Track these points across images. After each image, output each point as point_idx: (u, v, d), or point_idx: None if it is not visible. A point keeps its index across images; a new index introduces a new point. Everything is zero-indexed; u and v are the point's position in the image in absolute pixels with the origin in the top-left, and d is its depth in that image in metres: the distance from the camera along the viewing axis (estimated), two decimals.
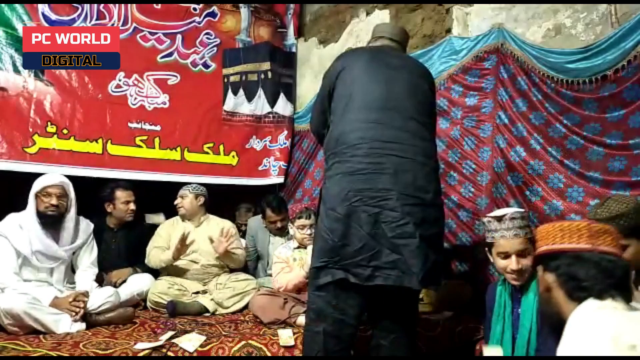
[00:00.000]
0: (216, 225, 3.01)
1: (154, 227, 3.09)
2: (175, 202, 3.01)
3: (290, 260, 2.56)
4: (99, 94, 3.24)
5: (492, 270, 2.40)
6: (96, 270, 2.62)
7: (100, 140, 3.20)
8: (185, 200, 2.98)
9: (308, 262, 2.38)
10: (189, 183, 3.12)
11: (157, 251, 2.86)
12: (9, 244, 2.31)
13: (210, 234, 2.92)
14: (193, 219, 3.00)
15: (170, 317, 2.46)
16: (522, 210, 1.81)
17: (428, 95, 1.86)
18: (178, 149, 3.51)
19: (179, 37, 3.59)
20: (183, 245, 2.74)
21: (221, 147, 3.72)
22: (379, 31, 2.06)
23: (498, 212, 1.74)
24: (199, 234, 2.93)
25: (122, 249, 2.96)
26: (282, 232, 3.18)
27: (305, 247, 2.51)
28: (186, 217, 3.00)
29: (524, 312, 1.69)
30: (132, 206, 2.94)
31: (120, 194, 2.92)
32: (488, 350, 1.71)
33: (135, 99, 3.39)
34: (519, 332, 1.69)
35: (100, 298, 2.32)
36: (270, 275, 3.09)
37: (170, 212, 3.14)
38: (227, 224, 3.06)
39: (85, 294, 2.28)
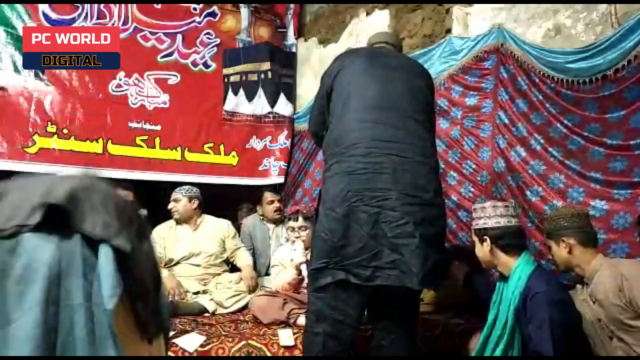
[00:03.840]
0: (213, 225, 3.02)
1: (153, 227, 3.08)
2: (169, 207, 2.97)
3: (287, 261, 2.58)
4: (99, 94, 3.24)
5: (492, 271, 2.40)
6: None
7: (100, 140, 3.20)
8: (179, 204, 2.95)
9: (296, 259, 2.43)
10: (182, 185, 3.08)
11: None
12: None
13: (208, 234, 2.93)
14: (189, 222, 2.99)
15: (170, 317, 2.46)
16: (481, 204, 1.91)
17: (426, 94, 1.86)
18: (178, 148, 3.51)
19: (179, 37, 3.59)
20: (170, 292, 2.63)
21: (221, 147, 3.72)
22: (374, 38, 2.08)
23: None
24: (197, 237, 2.93)
25: None
26: (280, 217, 3.26)
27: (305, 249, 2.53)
28: (181, 221, 2.98)
29: (502, 306, 1.73)
30: None
31: None
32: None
33: (136, 98, 3.38)
34: (496, 322, 1.74)
35: None
36: (270, 274, 3.12)
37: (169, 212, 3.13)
38: (223, 223, 3.06)
39: None
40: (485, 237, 1.79)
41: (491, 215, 1.79)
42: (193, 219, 3.00)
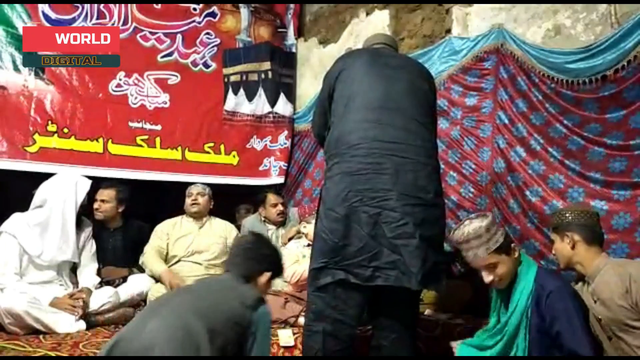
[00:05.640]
0: (217, 225, 3.03)
1: (153, 227, 3.07)
2: (193, 199, 2.98)
3: (300, 256, 2.60)
4: (99, 93, 3.24)
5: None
6: (96, 265, 2.63)
7: (100, 140, 3.20)
8: (203, 199, 2.99)
9: None
10: (195, 183, 3.10)
11: (153, 256, 2.80)
12: (16, 242, 2.30)
13: (213, 234, 2.94)
14: (199, 220, 3.00)
15: None
16: (478, 226, 1.67)
17: (428, 95, 1.86)
18: (179, 148, 3.51)
19: (179, 36, 3.59)
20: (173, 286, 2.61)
21: (222, 146, 3.71)
22: (372, 40, 2.07)
23: (457, 234, 1.70)
24: (203, 235, 2.94)
25: (119, 249, 2.92)
26: (282, 220, 3.26)
27: None
28: (198, 216, 2.99)
29: (511, 313, 1.67)
30: (102, 205, 2.77)
31: (98, 193, 2.79)
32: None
33: (136, 98, 3.39)
34: (505, 330, 1.69)
35: (100, 298, 2.33)
36: None
37: (167, 212, 3.12)
38: (227, 224, 3.08)
39: (84, 291, 2.31)
40: (512, 245, 1.71)
41: (494, 232, 1.69)
42: (204, 217, 3.02)
